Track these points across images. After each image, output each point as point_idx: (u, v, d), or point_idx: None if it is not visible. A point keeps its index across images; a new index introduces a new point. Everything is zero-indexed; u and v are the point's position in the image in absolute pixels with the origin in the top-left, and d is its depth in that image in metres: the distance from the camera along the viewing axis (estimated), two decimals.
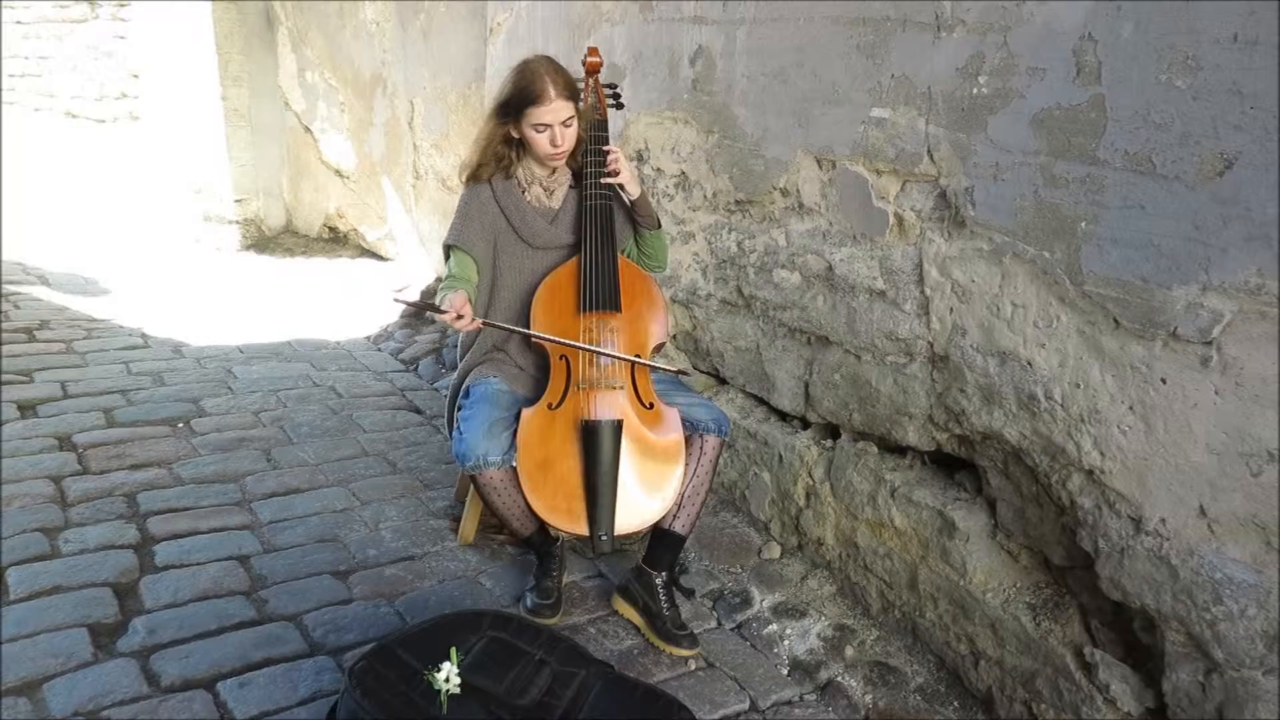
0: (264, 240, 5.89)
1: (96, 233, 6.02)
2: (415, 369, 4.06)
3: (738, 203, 2.80)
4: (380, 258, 5.51)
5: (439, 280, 2.44)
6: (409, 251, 5.16)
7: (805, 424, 2.74)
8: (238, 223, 5.79)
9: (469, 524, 2.73)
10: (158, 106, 6.08)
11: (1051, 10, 1.85)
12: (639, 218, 2.51)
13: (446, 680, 1.88)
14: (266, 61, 5.77)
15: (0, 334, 3.96)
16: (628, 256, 2.57)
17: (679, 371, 2.47)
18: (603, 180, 2.42)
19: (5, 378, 3.54)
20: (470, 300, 2.34)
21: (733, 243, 2.84)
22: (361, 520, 2.80)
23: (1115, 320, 1.80)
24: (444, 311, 2.20)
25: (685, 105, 2.95)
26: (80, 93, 6.45)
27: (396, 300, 2.43)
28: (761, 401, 2.89)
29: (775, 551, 2.75)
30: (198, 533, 2.64)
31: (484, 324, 2.33)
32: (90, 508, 2.72)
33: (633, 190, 2.45)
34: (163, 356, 3.96)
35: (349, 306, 4.70)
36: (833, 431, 2.66)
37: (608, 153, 2.41)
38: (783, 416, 2.83)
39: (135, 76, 6.13)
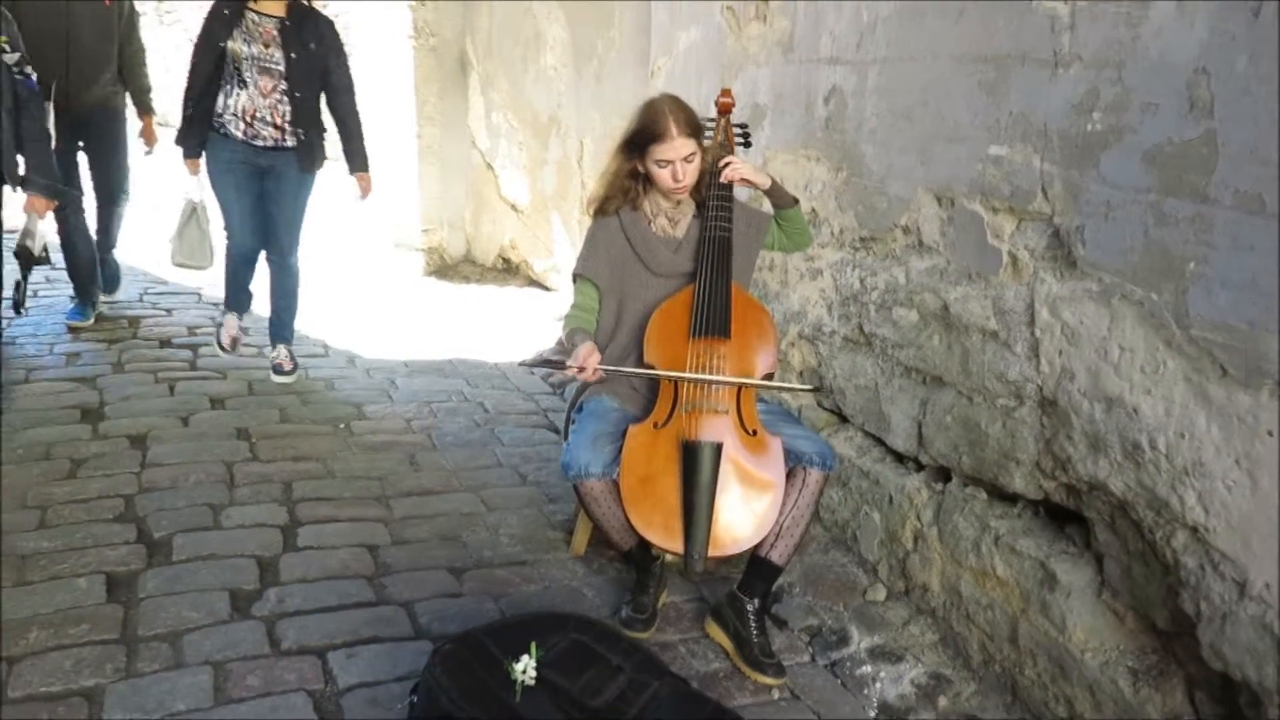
0: (445, 268, 6.32)
1: (304, 255, 6.65)
2: (561, 392, 4.25)
3: (862, 240, 2.81)
4: (545, 288, 5.79)
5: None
6: (570, 283, 5.41)
7: (919, 466, 2.69)
8: (423, 250, 6.25)
9: (580, 537, 2.85)
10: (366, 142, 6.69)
11: (1167, 43, 1.80)
12: (775, 200, 2.59)
13: (524, 671, 1.99)
14: (458, 103, 6.23)
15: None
16: (773, 248, 2.68)
17: (814, 389, 2.50)
18: (721, 179, 2.50)
19: (202, 374, 4.01)
20: (592, 337, 2.51)
21: (856, 279, 2.85)
22: (484, 524, 2.98)
23: (1222, 367, 1.70)
24: (567, 367, 2.36)
25: (818, 143, 2.99)
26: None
27: (522, 365, 2.81)
28: (879, 441, 2.86)
29: (880, 594, 2.70)
30: (337, 520, 2.90)
31: (605, 371, 2.44)
32: (252, 490, 3.04)
33: (761, 181, 2.54)
34: (338, 366, 4.34)
35: (510, 331, 4.98)
36: (945, 475, 2.59)
37: (728, 164, 2.50)
38: (899, 457, 2.78)
39: None
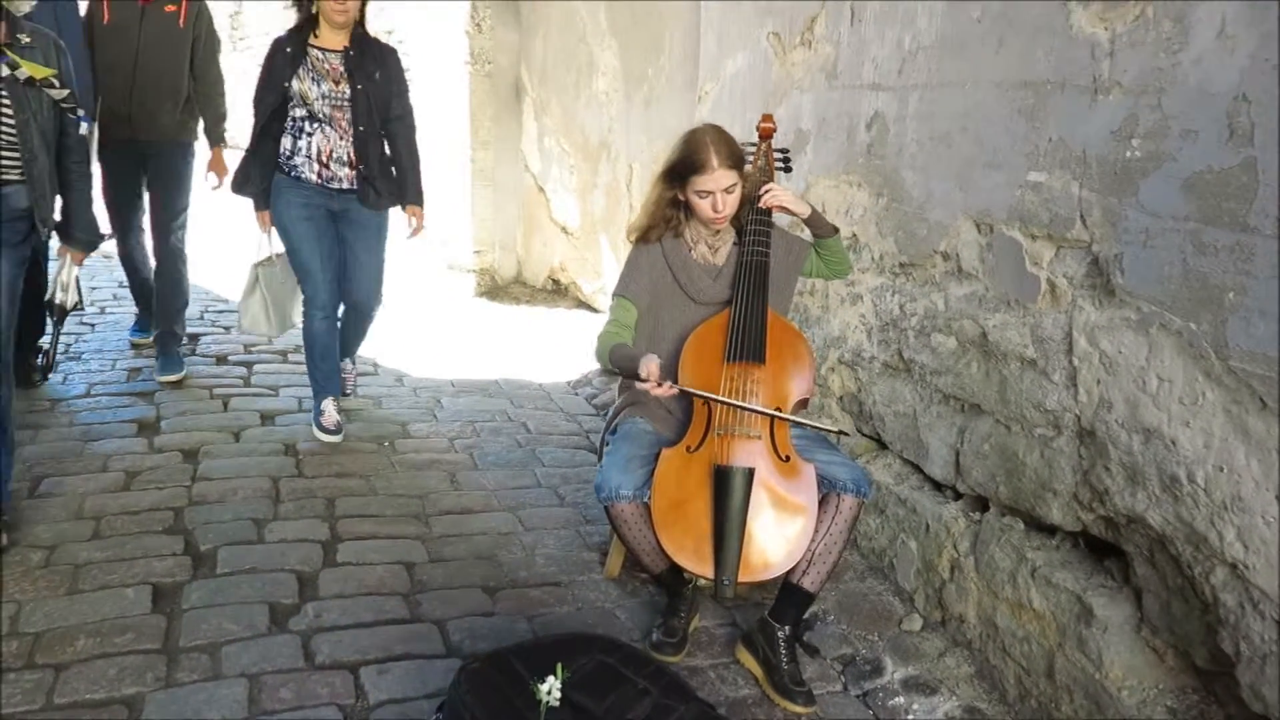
0: (496, 289, 6.41)
1: None
2: (605, 414, 4.28)
3: (901, 265, 2.79)
4: (593, 309, 5.84)
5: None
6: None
7: (957, 494, 2.65)
8: (474, 271, 6.35)
9: (615, 559, 2.86)
10: (422, 166, 6.85)
11: (1206, 71, 1.77)
12: (815, 229, 2.58)
13: (549, 692, 2.00)
14: (512, 127, 6.34)
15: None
16: (811, 275, 2.67)
17: (839, 432, 2.49)
18: (760, 205, 2.50)
19: (255, 391, 4.11)
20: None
21: (895, 305, 2.83)
22: (521, 544, 3.00)
23: (1261, 400, 1.66)
24: (645, 380, 2.32)
25: (860, 169, 2.99)
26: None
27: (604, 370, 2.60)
28: (917, 468, 2.82)
29: (916, 624, 2.66)
30: (377, 537, 2.94)
31: (681, 391, 2.40)
32: (296, 505, 3.10)
33: (800, 209, 2.53)
34: (386, 384, 4.42)
35: (557, 352, 5.02)
36: (983, 504, 2.55)
37: (768, 191, 2.50)
38: (937, 486, 2.75)
39: None
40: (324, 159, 3.45)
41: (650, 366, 2.32)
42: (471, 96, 6.18)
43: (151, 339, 4.33)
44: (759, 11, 3.59)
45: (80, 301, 3.50)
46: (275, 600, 2.54)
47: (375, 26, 7.17)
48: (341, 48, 3.40)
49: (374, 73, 3.44)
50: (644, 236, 2.60)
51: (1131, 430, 1.96)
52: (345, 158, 3.47)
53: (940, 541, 2.60)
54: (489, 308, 6.11)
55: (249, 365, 4.42)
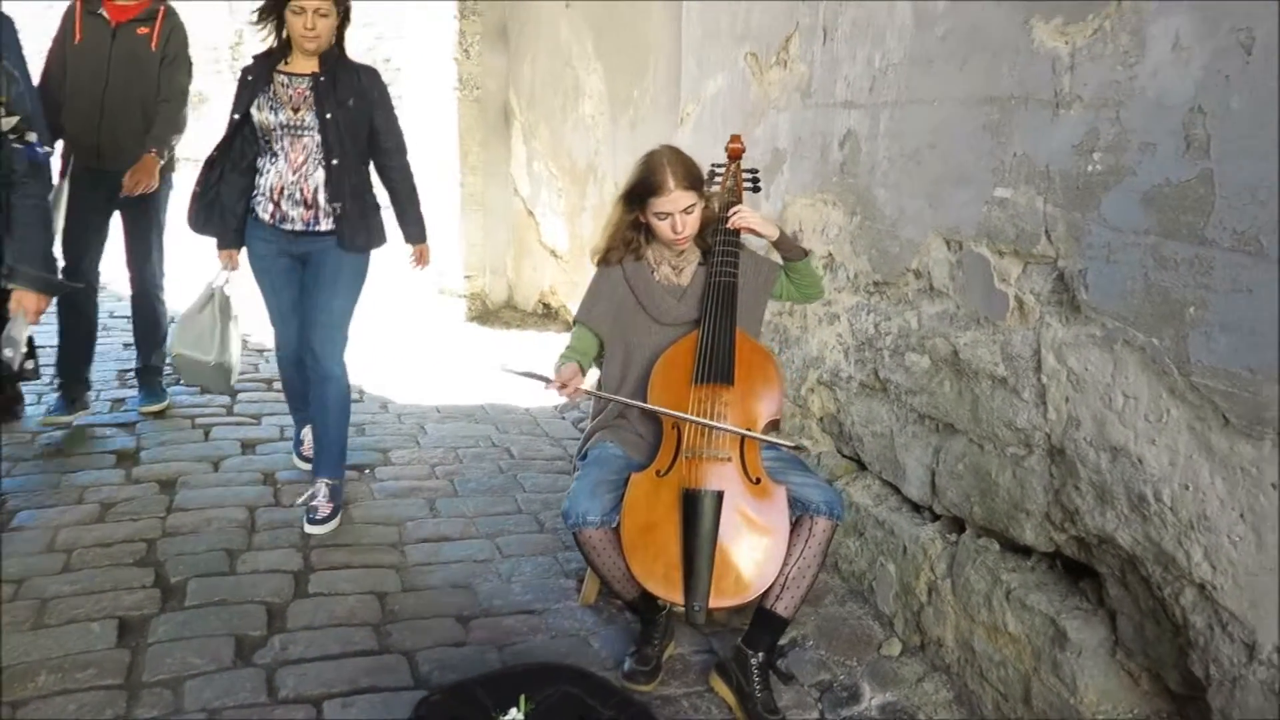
0: (487, 313, 6.40)
1: (362, 301, 6.82)
2: None
3: (875, 284, 2.76)
4: None
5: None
6: None
7: (935, 516, 2.61)
8: (465, 296, 6.34)
9: (591, 586, 2.81)
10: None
11: (1163, 83, 1.74)
12: (784, 252, 2.55)
13: None
14: (501, 152, 6.35)
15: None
16: (782, 298, 2.64)
17: (795, 447, 2.46)
18: (729, 225, 2.47)
19: (237, 419, 4.09)
20: (582, 372, 2.48)
21: (871, 324, 2.80)
22: (497, 572, 2.96)
23: (1224, 416, 1.62)
24: (549, 380, 2.33)
25: (834, 188, 2.97)
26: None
27: (505, 370, 2.45)
28: (896, 490, 2.78)
29: (895, 648, 2.61)
30: (350, 566, 2.91)
31: (585, 392, 2.42)
32: (271, 535, 3.07)
33: (768, 232, 2.50)
34: (370, 411, 4.40)
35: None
36: (960, 525, 2.51)
37: (736, 213, 2.47)
38: (915, 507, 2.71)
39: None
40: (276, 196, 3.11)
41: (564, 372, 2.38)
42: (460, 121, 6.20)
43: (72, 415, 3.88)
44: (737, 33, 3.59)
45: (35, 367, 2.88)
46: (242, 633, 2.50)
47: (373, 56, 7.24)
48: (310, 73, 3.07)
49: (347, 100, 3.08)
50: (604, 258, 2.59)
51: (1099, 448, 1.92)
52: (299, 195, 3.10)
53: (918, 564, 2.56)
54: (479, 332, 6.09)
55: (232, 394, 4.40)
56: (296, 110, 3.07)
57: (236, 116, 3.07)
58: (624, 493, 2.38)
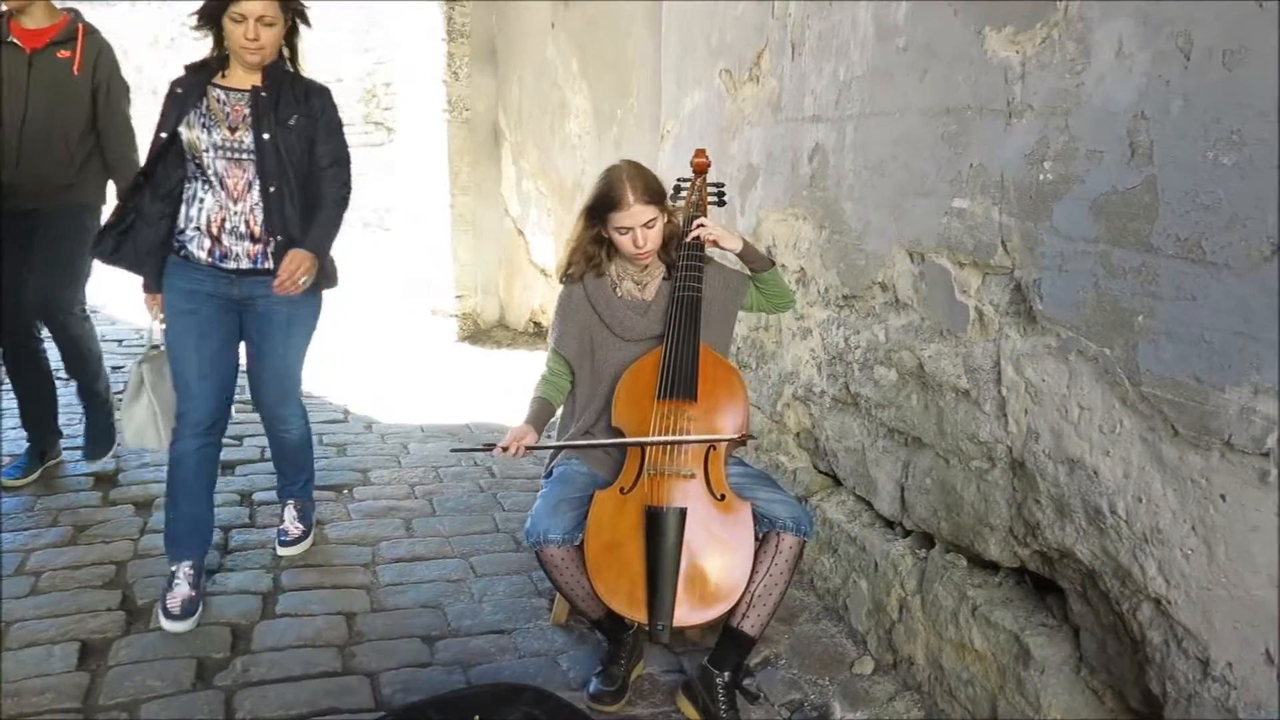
0: (478, 333, 6.40)
1: (352, 321, 6.81)
2: None
3: (844, 298, 2.74)
4: None
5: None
6: None
7: (906, 532, 2.58)
8: (456, 316, 6.34)
9: (561, 605, 2.78)
10: (405, 214, 6.88)
11: (1108, 90, 1.73)
12: (750, 263, 2.53)
13: None
14: (490, 172, 6.37)
15: None
16: (752, 309, 2.61)
17: (747, 437, 2.41)
18: (690, 238, 2.46)
19: (230, 441, 4.07)
20: (542, 413, 2.53)
21: (841, 338, 2.77)
22: (469, 592, 2.93)
23: (1173, 427, 1.59)
24: (494, 448, 2.37)
25: (804, 201, 2.95)
26: (375, 206, 7.36)
27: (454, 451, 2.48)
28: (869, 505, 2.75)
29: (868, 667, 2.57)
30: (321, 587, 2.89)
31: (534, 448, 2.42)
32: (242, 556, 3.05)
33: (731, 244, 2.48)
34: (354, 431, 4.39)
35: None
36: (930, 541, 2.47)
37: (701, 228, 2.46)
38: (888, 523, 2.67)
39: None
40: (214, 230, 2.68)
41: (512, 435, 2.39)
42: (450, 143, 6.22)
43: (41, 468, 3.63)
44: (712, 50, 3.59)
45: None
46: (205, 655, 2.48)
47: (373, 81, 7.25)
48: (251, 87, 2.68)
49: (289, 118, 2.69)
50: (568, 274, 2.57)
51: (1058, 461, 1.89)
52: (244, 228, 2.69)
53: (889, 581, 2.52)
54: (470, 352, 6.09)
55: None
56: (234, 130, 2.67)
57: (164, 135, 2.65)
58: (587, 510, 2.36)
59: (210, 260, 2.70)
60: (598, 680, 2.44)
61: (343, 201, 2.85)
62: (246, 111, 2.68)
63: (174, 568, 2.73)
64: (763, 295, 2.59)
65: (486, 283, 6.48)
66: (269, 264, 2.72)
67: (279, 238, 2.71)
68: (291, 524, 3.13)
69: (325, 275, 2.84)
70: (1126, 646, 1.79)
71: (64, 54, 3.31)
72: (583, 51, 5.39)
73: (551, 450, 2.63)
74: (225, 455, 3.86)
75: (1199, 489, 1.54)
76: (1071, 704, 1.92)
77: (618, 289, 2.54)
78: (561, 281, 2.61)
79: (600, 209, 2.43)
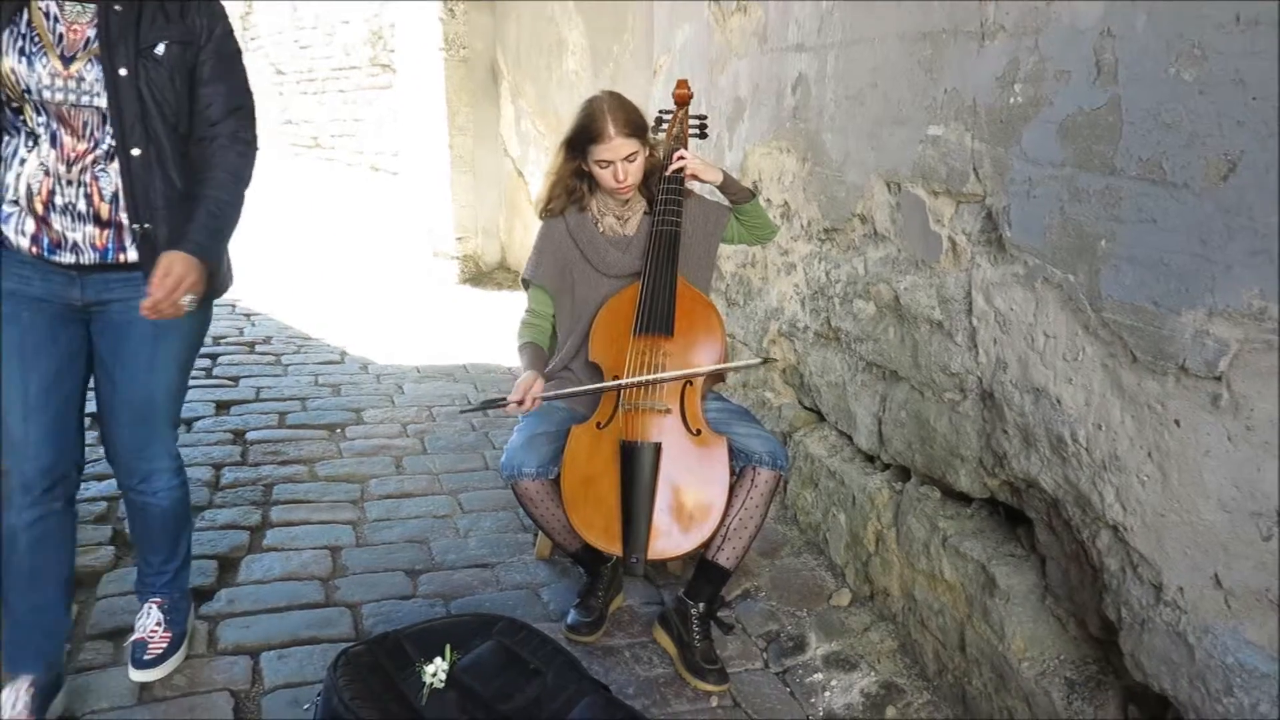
0: (480, 275, 6.39)
1: (357, 265, 6.81)
2: None
3: (825, 231, 2.71)
4: None
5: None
6: None
7: (885, 465, 2.57)
8: (458, 258, 6.33)
9: (544, 540, 2.81)
10: (410, 157, 6.83)
11: (1076, 8, 1.67)
12: (730, 194, 2.50)
13: (434, 674, 1.97)
14: (489, 112, 6.30)
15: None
16: (733, 241, 2.58)
17: (766, 360, 2.41)
18: (669, 171, 2.42)
19: (215, 382, 4.12)
20: (541, 357, 2.49)
21: (823, 272, 2.75)
22: (455, 527, 2.97)
23: (1132, 353, 1.57)
24: (507, 403, 2.32)
25: (788, 134, 2.90)
26: (382, 149, 7.30)
27: (463, 412, 2.42)
28: (850, 439, 2.75)
29: (845, 599, 2.59)
30: (308, 523, 2.93)
31: (543, 399, 2.38)
32: (233, 493, 3.09)
33: (711, 176, 2.45)
34: (349, 372, 4.41)
35: None
36: (906, 474, 2.47)
37: (681, 161, 2.42)
38: (869, 457, 2.67)
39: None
40: (39, 205, 1.87)
41: (521, 387, 2.33)
42: (447, 83, 6.15)
43: None
44: None
45: None
46: (191, 586, 2.52)
47: (379, 23, 7.10)
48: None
49: (155, 44, 1.86)
50: (548, 209, 2.54)
51: (1024, 390, 1.87)
52: (85, 205, 1.88)
53: (866, 514, 2.53)
54: (472, 294, 6.09)
55: (213, 357, 4.43)
56: (69, 61, 1.83)
57: None
58: (564, 445, 2.36)
59: (36, 250, 1.88)
60: (575, 612, 2.47)
61: (245, 170, 2.00)
62: (90, 34, 1.84)
63: (12, 684, 1.92)
64: (744, 226, 2.56)
65: (487, 225, 6.45)
66: (125, 256, 1.92)
67: (144, 225, 1.89)
68: (150, 632, 2.16)
69: (219, 273, 2.04)
70: (1087, 574, 1.78)
71: None
72: None
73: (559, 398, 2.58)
74: (221, 396, 3.93)
75: (1155, 415, 1.52)
76: (1035, 632, 1.92)
77: (599, 224, 2.52)
78: (541, 217, 2.59)
79: (580, 141, 2.39)
